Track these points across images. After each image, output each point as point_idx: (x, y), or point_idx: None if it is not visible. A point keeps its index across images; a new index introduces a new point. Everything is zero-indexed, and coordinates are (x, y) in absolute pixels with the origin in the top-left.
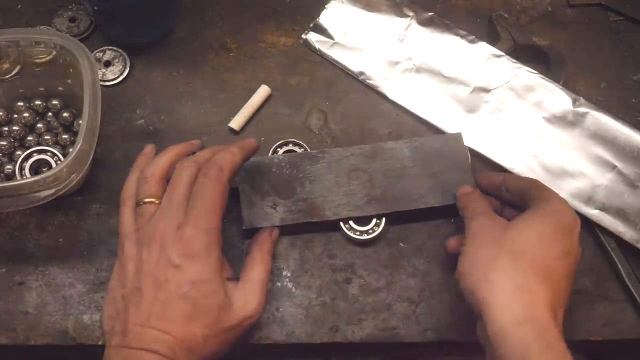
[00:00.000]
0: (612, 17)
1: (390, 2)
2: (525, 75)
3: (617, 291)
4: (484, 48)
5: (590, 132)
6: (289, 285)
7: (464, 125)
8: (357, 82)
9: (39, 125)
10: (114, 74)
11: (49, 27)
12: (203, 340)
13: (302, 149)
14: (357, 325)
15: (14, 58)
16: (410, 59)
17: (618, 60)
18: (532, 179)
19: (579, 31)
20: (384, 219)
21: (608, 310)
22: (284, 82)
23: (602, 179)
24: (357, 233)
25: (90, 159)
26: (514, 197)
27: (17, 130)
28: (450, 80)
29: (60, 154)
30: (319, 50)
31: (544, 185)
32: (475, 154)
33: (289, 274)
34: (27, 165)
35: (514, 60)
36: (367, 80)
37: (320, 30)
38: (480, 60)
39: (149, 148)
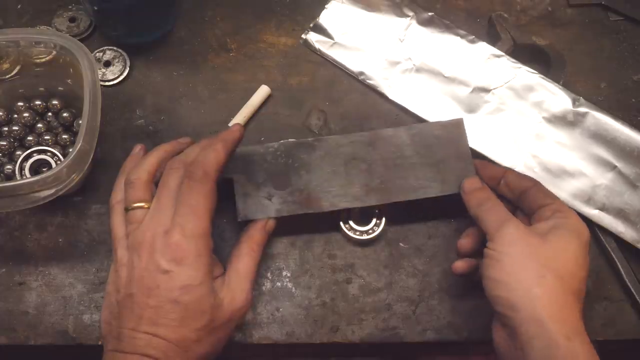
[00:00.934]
0: (612, 17)
1: (390, 2)
2: (525, 75)
3: (617, 291)
4: (484, 48)
5: (590, 132)
6: (289, 285)
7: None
8: (357, 82)
9: (39, 125)
10: (114, 74)
11: (49, 27)
12: (197, 342)
13: None
14: (357, 325)
15: (14, 58)
16: (410, 59)
17: (618, 60)
18: (534, 180)
19: (579, 31)
20: (384, 219)
21: (608, 310)
22: (284, 82)
23: (602, 179)
24: (357, 233)
25: (90, 159)
26: (513, 194)
27: (17, 130)
28: (450, 80)
29: (60, 154)
30: (319, 50)
31: (548, 190)
32: (475, 154)
33: (289, 274)
34: (27, 165)
35: (514, 60)
36: (367, 80)
37: (320, 30)
38: (480, 60)
39: (137, 148)
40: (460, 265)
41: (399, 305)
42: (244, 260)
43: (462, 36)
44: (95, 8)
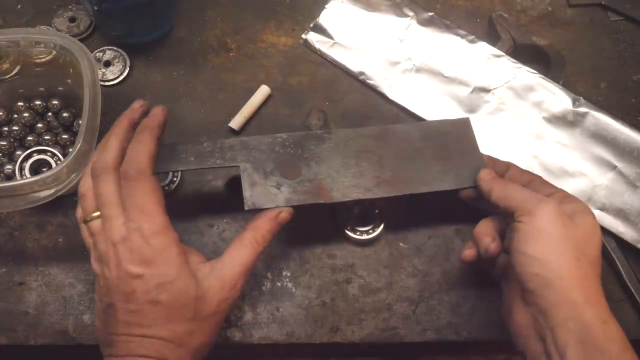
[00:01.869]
0: (612, 17)
1: (390, 2)
2: (525, 75)
3: (617, 291)
4: (484, 48)
5: (590, 132)
6: (289, 285)
7: None
8: (357, 82)
9: (39, 125)
10: (114, 74)
11: (49, 27)
12: (188, 334)
13: None
14: (357, 325)
15: (14, 58)
16: (410, 59)
17: (618, 60)
18: (535, 174)
19: (579, 31)
20: (384, 219)
21: None
22: (284, 82)
23: (602, 179)
24: (357, 233)
25: (90, 159)
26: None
27: (17, 130)
28: (450, 80)
29: (60, 154)
30: (319, 50)
31: (547, 182)
32: None
33: (289, 274)
34: (27, 165)
35: (514, 60)
36: (367, 80)
37: (320, 30)
38: (480, 60)
39: (138, 104)
40: (469, 253)
41: (399, 305)
42: (243, 251)
43: (462, 36)
44: (95, 8)
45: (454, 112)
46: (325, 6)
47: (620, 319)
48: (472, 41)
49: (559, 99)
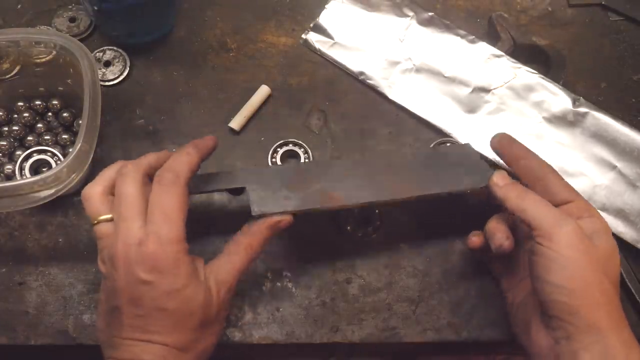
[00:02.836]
0: (612, 17)
1: (390, 2)
2: (525, 75)
3: None
4: (484, 48)
5: (590, 132)
6: (289, 285)
7: (464, 125)
8: (357, 82)
9: (39, 125)
10: (114, 74)
11: (49, 27)
12: (194, 340)
13: (302, 149)
14: (357, 325)
15: (14, 58)
16: (410, 59)
17: (618, 60)
18: (550, 167)
19: (579, 31)
20: (384, 219)
21: None
22: (284, 82)
23: (602, 179)
24: (358, 233)
25: (90, 159)
26: (526, 176)
27: (17, 130)
28: (450, 80)
29: (60, 154)
30: (319, 50)
31: (566, 182)
32: None
33: (289, 274)
34: (27, 165)
35: (514, 60)
36: (367, 80)
37: (320, 30)
38: (480, 60)
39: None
40: (476, 240)
41: (399, 305)
42: (239, 255)
43: (462, 36)
44: (95, 8)
45: (454, 112)
46: (325, 6)
47: None
48: (472, 41)
49: (559, 99)
